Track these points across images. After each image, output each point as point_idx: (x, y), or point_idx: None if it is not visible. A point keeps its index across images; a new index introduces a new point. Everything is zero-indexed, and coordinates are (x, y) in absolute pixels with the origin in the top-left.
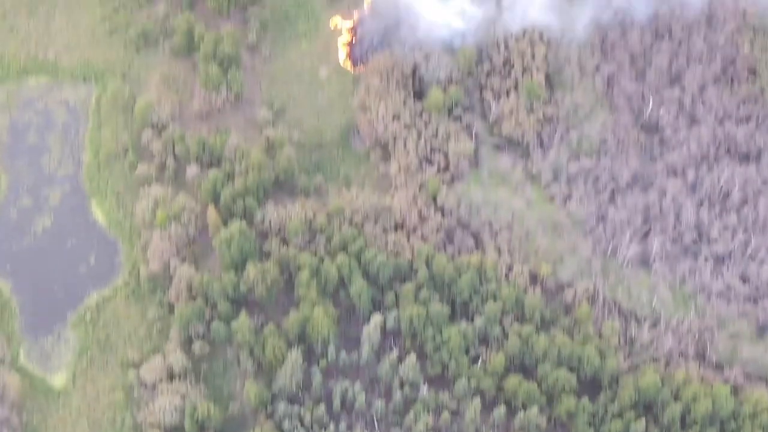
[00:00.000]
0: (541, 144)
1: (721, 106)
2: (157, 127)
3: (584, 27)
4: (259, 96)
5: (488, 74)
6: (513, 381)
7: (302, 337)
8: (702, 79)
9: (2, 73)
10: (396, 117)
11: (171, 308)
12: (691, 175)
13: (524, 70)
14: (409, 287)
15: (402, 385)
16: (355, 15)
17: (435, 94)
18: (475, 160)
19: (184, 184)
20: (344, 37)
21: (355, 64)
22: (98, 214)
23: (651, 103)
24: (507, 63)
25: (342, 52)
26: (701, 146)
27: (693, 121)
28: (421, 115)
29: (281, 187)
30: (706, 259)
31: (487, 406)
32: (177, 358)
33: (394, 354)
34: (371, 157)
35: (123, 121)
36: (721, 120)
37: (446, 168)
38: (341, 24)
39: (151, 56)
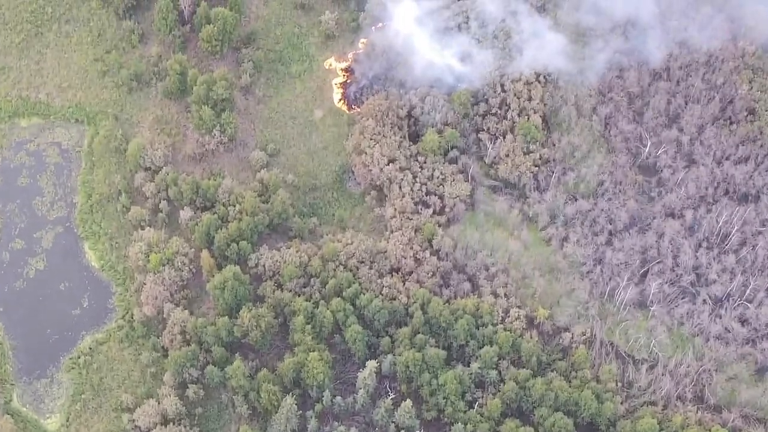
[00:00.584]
0: (538, 186)
1: (719, 146)
2: (151, 169)
3: (597, 72)
4: (253, 138)
5: (484, 115)
6: (510, 426)
7: (297, 382)
8: (700, 119)
9: None
10: (391, 160)
11: (165, 352)
12: (689, 216)
13: (521, 111)
14: (404, 332)
15: (398, 430)
16: (350, 56)
17: (430, 137)
18: (471, 203)
19: (178, 227)
20: (339, 78)
21: (349, 105)
22: (91, 256)
23: (649, 143)
24: (503, 104)
25: (336, 94)
26: (699, 187)
27: (691, 161)
28: (416, 157)
29: (275, 229)
30: (704, 301)
31: None
32: (171, 403)
33: (390, 399)
34: (366, 199)
35: (116, 163)
36: (720, 161)
37: (442, 211)
38: (335, 65)
39: (143, 98)
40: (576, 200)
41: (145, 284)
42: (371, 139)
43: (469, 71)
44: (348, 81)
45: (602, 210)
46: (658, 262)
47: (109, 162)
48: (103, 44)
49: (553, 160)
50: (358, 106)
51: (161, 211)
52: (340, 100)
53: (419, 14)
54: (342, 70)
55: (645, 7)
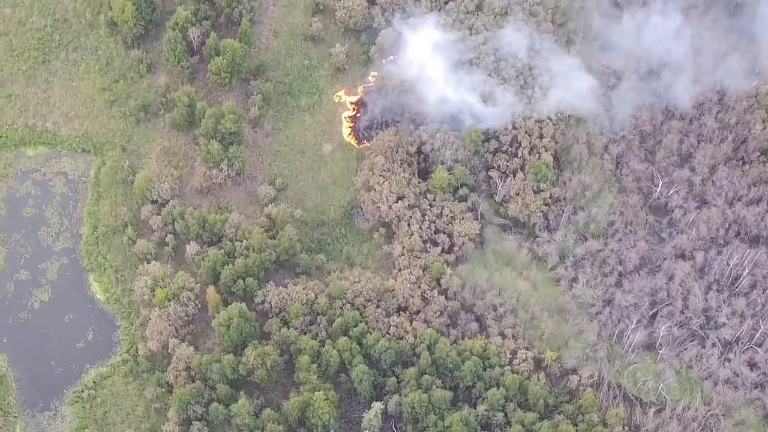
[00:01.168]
0: (548, 225)
1: (731, 187)
2: (157, 202)
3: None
4: (261, 171)
5: (495, 152)
6: None
7: (302, 421)
8: (713, 159)
9: (0, 142)
10: (400, 197)
11: (169, 388)
12: (699, 258)
13: (532, 149)
14: (411, 372)
15: None
16: (360, 89)
17: (440, 175)
18: (480, 241)
19: (184, 262)
20: (348, 112)
21: (359, 139)
22: (96, 289)
23: (660, 183)
24: (514, 141)
25: (346, 128)
26: (711, 228)
27: (703, 202)
28: (425, 195)
29: (282, 265)
30: (713, 345)
31: None
32: None
33: None
34: (374, 236)
35: (122, 195)
36: (731, 202)
37: (450, 249)
38: (345, 98)
39: (151, 128)
40: (586, 240)
41: (150, 319)
42: (380, 176)
43: (489, 111)
44: (357, 115)
45: (612, 250)
46: (667, 305)
47: (116, 193)
48: (111, 73)
49: (564, 198)
50: (368, 141)
51: (167, 245)
52: (349, 134)
53: (433, 48)
54: (352, 103)
55: (673, 48)
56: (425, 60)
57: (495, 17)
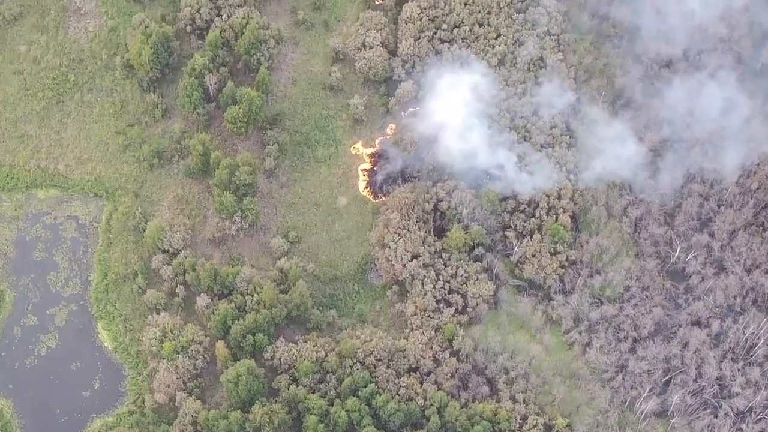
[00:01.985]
0: (564, 288)
1: (750, 254)
2: (169, 252)
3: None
4: (275, 223)
5: (512, 212)
6: None
7: None
8: (732, 224)
9: (11, 183)
10: (415, 256)
11: None
12: (715, 326)
13: (549, 210)
14: None
15: None
16: (377, 141)
17: (456, 235)
18: (494, 302)
19: (194, 313)
20: (365, 165)
21: (374, 193)
22: (105, 337)
23: (678, 248)
24: (532, 201)
25: (362, 181)
26: (728, 296)
27: (721, 268)
28: (440, 254)
29: (293, 320)
30: (726, 414)
31: None
32: None
33: None
34: (387, 294)
35: (133, 242)
36: (750, 269)
37: (464, 310)
38: (362, 150)
39: (164, 175)
40: (601, 304)
41: (158, 370)
42: (395, 233)
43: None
44: (374, 168)
45: (627, 316)
46: (681, 372)
47: (127, 240)
48: (126, 116)
49: (581, 261)
50: (384, 195)
51: (177, 296)
52: (365, 187)
53: (456, 102)
54: (368, 155)
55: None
56: (447, 115)
57: (524, 72)
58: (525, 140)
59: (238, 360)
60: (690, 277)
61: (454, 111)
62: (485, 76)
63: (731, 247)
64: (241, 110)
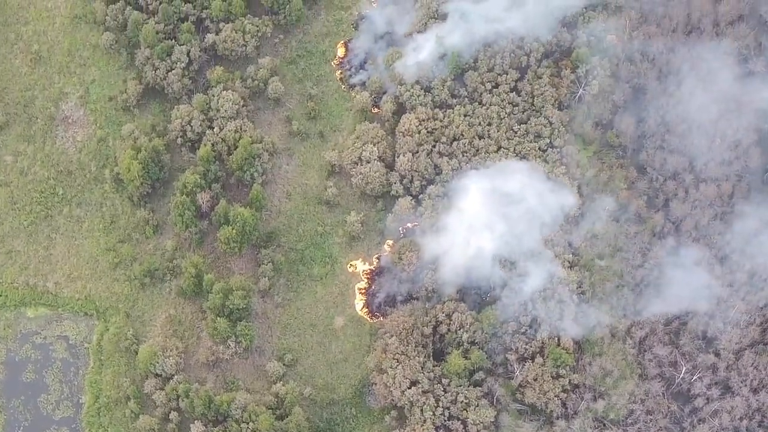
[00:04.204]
0: (566, 413)
1: (756, 374)
2: (162, 376)
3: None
4: (271, 345)
5: (513, 334)
6: None
7: None
8: (738, 344)
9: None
10: (414, 382)
11: None
12: None
13: (551, 331)
14: None
15: None
16: (374, 258)
17: (456, 361)
18: (495, 427)
19: None
20: (362, 284)
21: (372, 313)
22: None
23: (683, 369)
24: (534, 323)
25: (359, 301)
26: (734, 418)
27: (726, 388)
28: (440, 379)
29: None
30: None
31: None
32: None
33: None
34: (386, 419)
35: (125, 364)
36: (756, 390)
37: None
38: (359, 267)
39: (156, 294)
40: (604, 427)
41: None
42: (394, 359)
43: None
44: (371, 287)
45: None
46: None
47: (119, 362)
48: (116, 232)
49: (584, 384)
50: (382, 315)
51: (171, 422)
52: (362, 307)
53: (460, 220)
54: (365, 273)
55: None
56: (447, 232)
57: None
58: (528, 259)
59: None
60: (695, 398)
61: (454, 228)
62: (486, 196)
63: (737, 367)
64: (234, 230)
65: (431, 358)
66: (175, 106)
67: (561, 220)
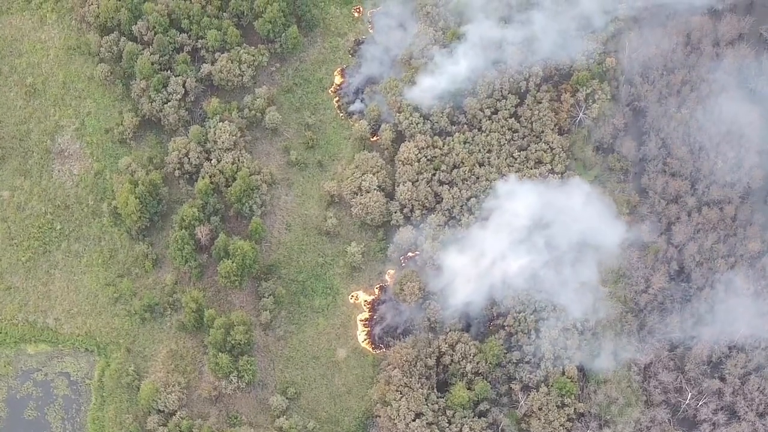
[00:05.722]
0: None
1: (762, 398)
2: (164, 412)
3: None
4: (273, 378)
5: (517, 363)
6: None
7: None
8: (744, 368)
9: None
10: (418, 415)
11: None
12: None
13: (556, 359)
14: None
15: None
16: (376, 289)
17: (460, 393)
18: None
19: None
20: (364, 314)
21: (375, 344)
22: None
23: (689, 395)
24: (538, 351)
25: (361, 331)
26: None
27: (732, 415)
28: (444, 411)
29: None
30: None
31: None
32: None
33: None
34: None
35: (127, 400)
36: (762, 414)
37: None
38: (361, 297)
39: (157, 329)
40: None
41: None
42: (397, 391)
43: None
44: (374, 317)
45: None
46: None
47: (121, 399)
48: (115, 267)
49: (589, 413)
50: (384, 346)
51: None
52: (364, 339)
53: (462, 249)
54: (366, 303)
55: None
56: (450, 261)
57: None
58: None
59: None
60: (702, 424)
61: (456, 258)
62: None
63: (743, 392)
64: (234, 264)
65: (435, 389)
66: (172, 138)
67: None
